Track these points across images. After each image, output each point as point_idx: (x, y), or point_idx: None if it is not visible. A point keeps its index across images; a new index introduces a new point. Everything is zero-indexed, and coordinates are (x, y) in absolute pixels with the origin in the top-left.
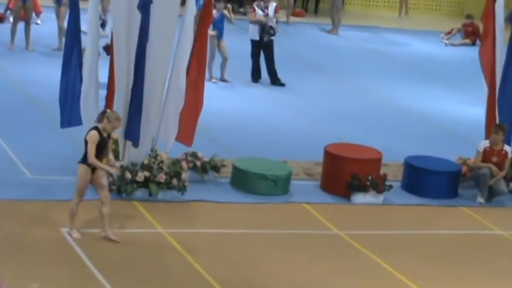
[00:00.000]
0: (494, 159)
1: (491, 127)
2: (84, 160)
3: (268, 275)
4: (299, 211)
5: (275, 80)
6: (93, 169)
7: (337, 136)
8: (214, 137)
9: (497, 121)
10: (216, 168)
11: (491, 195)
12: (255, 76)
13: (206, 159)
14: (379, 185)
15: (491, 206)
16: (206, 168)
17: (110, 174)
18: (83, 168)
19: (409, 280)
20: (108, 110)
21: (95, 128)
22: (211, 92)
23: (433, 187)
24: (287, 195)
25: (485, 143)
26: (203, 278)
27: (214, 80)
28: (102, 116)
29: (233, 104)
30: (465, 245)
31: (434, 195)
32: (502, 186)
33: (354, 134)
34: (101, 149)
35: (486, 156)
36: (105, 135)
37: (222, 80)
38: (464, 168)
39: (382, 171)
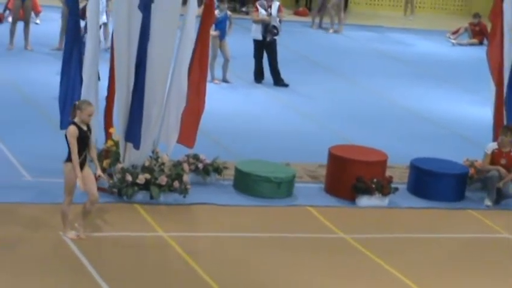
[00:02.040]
0: (503, 161)
1: (499, 128)
2: (69, 158)
3: (272, 279)
4: (303, 214)
5: (278, 81)
6: (80, 166)
7: (342, 137)
8: (216, 138)
9: (505, 122)
10: (218, 170)
11: (499, 198)
12: (258, 77)
13: (208, 161)
14: (384, 188)
15: (499, 209)
16: (208, 171)
17: (110, 177)
18: (68, 167)
19: (415, 284)
20: (76, 102)
21: (72, 123)
22: (213, 93)
23: (440, 190)
24: (291, 198)
25: (494, 145)
26: (205, 282)
27: (216, 81)
28: (73, 110)
29: (235, 105)
30: (472, 248)
31: (441, 198)
32: (511, 189)
33: (359, 135)
34: (82, 144)
35: (494, 158)
36: (84, 128)
37: (224, 81)
38: (471, 171)
39: (388, 173)
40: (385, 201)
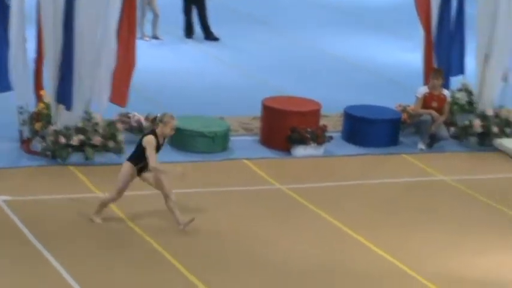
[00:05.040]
0: (434, 104)
1: (429, 72)
2: (132, 159)
3: (213, 234)
4: (239, 167)
5: (209, 35)
6: (140, 169)
7: (275, 89)
8: (149, 96)
9: (435, 65)
10: None
11: (432, 141)
12: (188, 32)
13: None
14: (319, 137)
15: (433, 152)
16: (142, 129)
17: (42, 139)
18: (128, 166)
19: (353, 231)
20: (159, 114)
21: (152, 132)
22: (144, 50)
23: (374, 136)
24: (226, 151)
25: (424, 89)
26: (145, 241)
27: (146, 38)
28: (153, 122)
29: (167, 62)
30: (408, 192)
31: (375, 144)
32: (443, 131)
33: (293, 86)
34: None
35: (426, 101)
36: (161, 141)
37: (154, 37)
38: (404, 115)
39: (322, 122)
40: (320, 150)
